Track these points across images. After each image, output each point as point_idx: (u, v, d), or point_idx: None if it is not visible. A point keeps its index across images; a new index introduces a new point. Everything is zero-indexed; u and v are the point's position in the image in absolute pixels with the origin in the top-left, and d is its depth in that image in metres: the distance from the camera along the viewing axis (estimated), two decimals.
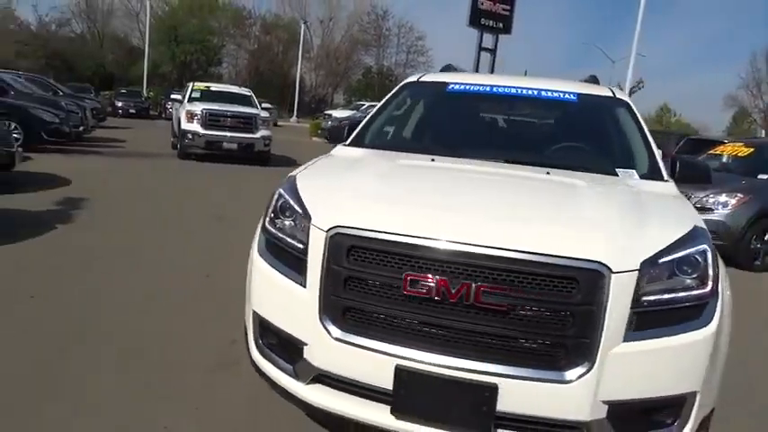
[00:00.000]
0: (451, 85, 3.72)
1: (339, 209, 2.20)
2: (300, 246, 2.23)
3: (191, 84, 15.42)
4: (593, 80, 4.13)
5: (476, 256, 1.95)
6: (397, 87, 3.94)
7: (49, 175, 9.08)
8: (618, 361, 1.93)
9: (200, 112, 13.08)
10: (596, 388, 1.92)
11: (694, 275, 2.08)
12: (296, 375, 2.24)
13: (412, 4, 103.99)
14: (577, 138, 3.52)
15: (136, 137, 18.94)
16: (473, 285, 1.93)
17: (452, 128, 3.75)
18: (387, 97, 3.84)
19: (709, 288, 2.08)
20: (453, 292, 1.94)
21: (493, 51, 25.01)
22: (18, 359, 3.09)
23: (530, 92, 3.59)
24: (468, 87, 3.69)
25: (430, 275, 1.97)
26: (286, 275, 2.27)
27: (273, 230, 2.41)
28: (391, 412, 2.04)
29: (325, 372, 2.15)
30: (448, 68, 4.44)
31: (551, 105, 3.62)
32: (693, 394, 2.05)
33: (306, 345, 2.18)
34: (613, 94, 3.65)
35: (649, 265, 1.99)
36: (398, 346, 2.02)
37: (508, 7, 24.64)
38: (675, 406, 2.06)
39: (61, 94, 19.24)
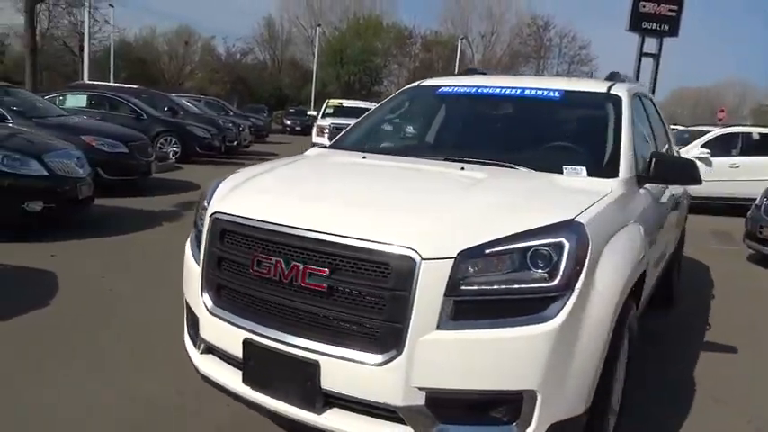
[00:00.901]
0: (442, 88, 3.76)
1: (223, 198, 2.46)
2: (200, 231, 2.53)
3: (326, 101, 16.60)
4: (611, 76, 3.86)
5: (303, 240, 2.08)
6: (398, 92, 4.06)
7: (185, 183, 10.46)
8: (430, 348, 1.91)
9: (327, 126, 14.10)
10: (407, 373, 1.92)
11: (545, 268, 1.98)
12: (195, 346, 2.53)
13: (576, 14, 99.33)
14: (538, 135, 3.35)
15: (289, 151, 20.61)
16: (301, 267, 2.06)
17: (416, 129, 3.78)
18: (385, 100, 3.98)
19: (556, 282, 1.96)
20: (287, 272, 2.09)
21: (656, 56, 23.26)
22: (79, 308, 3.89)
23: (513, 91, 3.50)
24: (455, 89, 3.69)
25: (270, 257, 2.14)
26: (194, 258, 2.57)
27: (197, 222, 2.73)
28: (242, 381, 2.24)
29: (207, 341, 2.41)
30: (470, 72, 4.44)
31: (531, 104, 3.47)
32: (531, 393, 1.94)
33: (198, 318, 2.46)
34: (608, 89, 3.41)
35: (472, 254, 1.94)
36: (248, 320, 2.22)
37: (675, 7, 22.67)
38: (512, 403, 1.97)
39: (231, 114, 21.89)
